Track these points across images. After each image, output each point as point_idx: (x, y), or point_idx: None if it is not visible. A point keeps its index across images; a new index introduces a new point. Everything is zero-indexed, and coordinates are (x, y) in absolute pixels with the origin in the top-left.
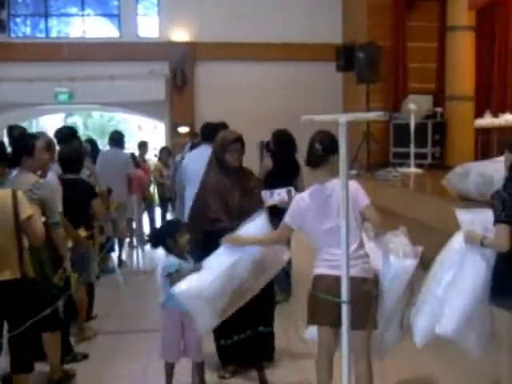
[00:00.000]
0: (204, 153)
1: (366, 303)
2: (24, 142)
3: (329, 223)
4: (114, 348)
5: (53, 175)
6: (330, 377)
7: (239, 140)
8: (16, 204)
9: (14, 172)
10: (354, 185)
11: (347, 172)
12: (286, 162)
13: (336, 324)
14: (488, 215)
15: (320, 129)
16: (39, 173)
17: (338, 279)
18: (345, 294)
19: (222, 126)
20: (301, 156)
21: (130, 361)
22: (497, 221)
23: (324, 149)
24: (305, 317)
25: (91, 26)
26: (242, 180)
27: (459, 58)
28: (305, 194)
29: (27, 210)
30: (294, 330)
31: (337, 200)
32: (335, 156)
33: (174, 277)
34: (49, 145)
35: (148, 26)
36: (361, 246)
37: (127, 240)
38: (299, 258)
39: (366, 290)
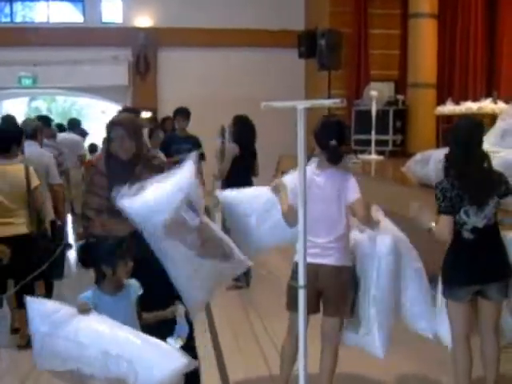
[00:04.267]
0: None
1: (339, 291)
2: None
3: (312, 210)
4: None
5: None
6: (293, 364)
7: (119, 124)
8: (28, 176)
9: None
10: (346, 177)
11: (305, 158)
12: (248, 149)
13: (313, 311)
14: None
15: (326, 116)
16: None
17: (316, 268)
18: (302, 279)
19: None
20: (258, 141)
21: None
22: (439, 211)
23: (340, 143)
24: (265, 301)
25: (56, 11)
26: (132, 175)
27: (421, 46)
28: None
29: (36, 180)
30: (255, 314)
31: (327, 189)
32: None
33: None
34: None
35: (112, 12)
36: (342, 237)
37: None
38: None
39: (341, 278)
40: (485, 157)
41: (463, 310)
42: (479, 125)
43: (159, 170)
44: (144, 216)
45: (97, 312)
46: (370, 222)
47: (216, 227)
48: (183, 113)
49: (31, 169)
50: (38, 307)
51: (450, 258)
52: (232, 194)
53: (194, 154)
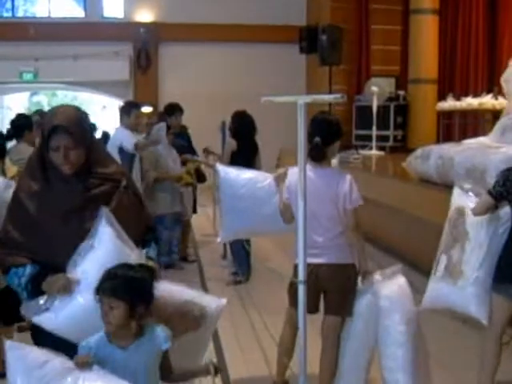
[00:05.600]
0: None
1: (341, 289)
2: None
3: (308, 208)
4: None
5: None
6: (290, 357)
7: (63, 128)
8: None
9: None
10: (350, 180)
11: (305, 154)
12: (246, 143)
13: (311, 311)
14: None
15: (320, 113)
16: None
17: (316, 267)
18: (302, 274)
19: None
20: (259, 136)
21: None
22: (488, 191)
23: (324, 142)
24: (265, 296)
25: (57, 6)
26: (78, 194)
27: (422, 41)
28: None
29: (13, 170)
30: (254, 309)
31: (321, 187)
32: (337, 142)
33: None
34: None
35: (113, 7)
36: (340, 235)
37: None
38: (258, 238)
39: (342, 276)
40: None
41: (508, 308)
42: None
43: (115, 181)
44: (75, 330)
45: (102, 367)
46: (358, 231)
47: (172, 288)
48: (180, 109)
49: (7, 159)
50: (20, 357)
51: (505, 253)
52: (233, 174)
53: (104, 210)
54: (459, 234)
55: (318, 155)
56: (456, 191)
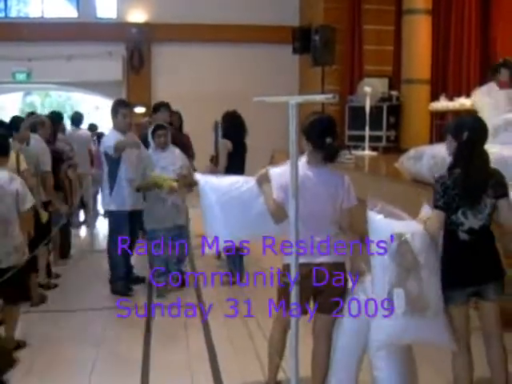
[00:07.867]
0: None
1: (336, 288)
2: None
3: (305, 207)
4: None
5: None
6: (282, 353)
7: None
8: (18, 160)
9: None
10: (347, 180)
11: (297, 154)
12: (238, 143)
13: (304, 312)
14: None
15: (318, 113)
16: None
17: (312, 267)
18: (293, 274)
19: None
20: (253, 136)
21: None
22: (435, 206)
23: (334, 140)
24: (257, 295)
25: (50, 7)
26: None
27: (415, 42)
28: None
29: (24, 165)
30: (247, 309)
31: (321, 187)
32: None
33: None
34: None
35: (106, 7)
36: (337, 234)
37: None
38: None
39: (337, 275)
40: (487, 156)
41: (460, 313)
42: (484, 123)
43: None
44: None
45: None
46: (351, 231)
47: None
48: (166, 106)
49: (21, 155)
50: None
51: (444, 260)
52: (212, 181)
53: None
54: (409, 263)
55: (335, 156)
56: (375, 216)
